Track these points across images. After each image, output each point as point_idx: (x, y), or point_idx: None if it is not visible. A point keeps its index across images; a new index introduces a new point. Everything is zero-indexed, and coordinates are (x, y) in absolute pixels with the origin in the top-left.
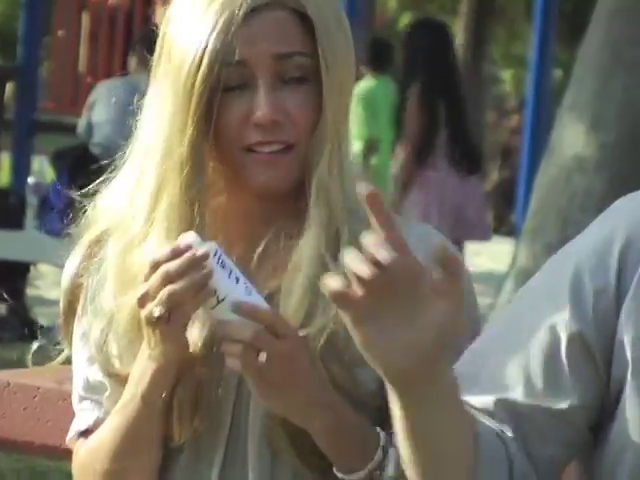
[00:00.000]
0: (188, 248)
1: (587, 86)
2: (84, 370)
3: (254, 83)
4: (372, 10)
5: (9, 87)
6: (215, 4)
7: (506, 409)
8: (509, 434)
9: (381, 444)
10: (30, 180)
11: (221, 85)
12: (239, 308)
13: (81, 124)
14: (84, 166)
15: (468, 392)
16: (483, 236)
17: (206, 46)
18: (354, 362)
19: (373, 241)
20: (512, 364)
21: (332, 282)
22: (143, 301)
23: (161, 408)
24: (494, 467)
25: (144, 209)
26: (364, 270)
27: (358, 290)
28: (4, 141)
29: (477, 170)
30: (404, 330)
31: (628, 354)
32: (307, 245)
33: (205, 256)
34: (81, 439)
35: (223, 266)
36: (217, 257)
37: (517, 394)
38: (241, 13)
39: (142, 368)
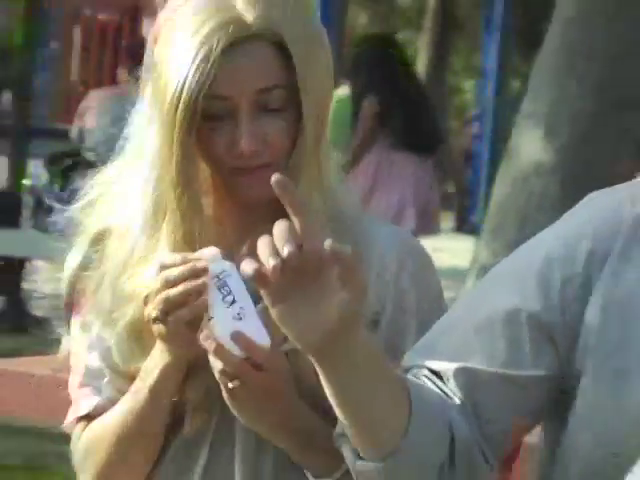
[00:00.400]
0: (196, 259)
1: (543, 95)
2: (84, 358)
3: (236, 114)
4: (342, 26)
5: (7, 96)
6: (198, 35)
7: (465, 375)
8: (456, 400)
9: None
10: (26, 182)
11: (198, 114)
12: (231, 335)
13: (74, 130)
14: (76, 169)
15: (432, 358)
16: (433, 228)
17: (185, 79)
18: None
19: (280, 232)
20: (476, 336)
21: (247, 267)
22: (146, 300)
23: (167, 402)
24: (428, 421)
25: (146, 226)
26: (269, 263)
27: (269, 272)
28: (2, 146)
29: (432, 159)
30: (311, 311)
31: (591, 344)
32: None
33: (203, 270)
34: (81, 423)
35: (223, 287)
36: (218, 277)
37: (478, 362)
38: (220, 47)
39: (154, 362)
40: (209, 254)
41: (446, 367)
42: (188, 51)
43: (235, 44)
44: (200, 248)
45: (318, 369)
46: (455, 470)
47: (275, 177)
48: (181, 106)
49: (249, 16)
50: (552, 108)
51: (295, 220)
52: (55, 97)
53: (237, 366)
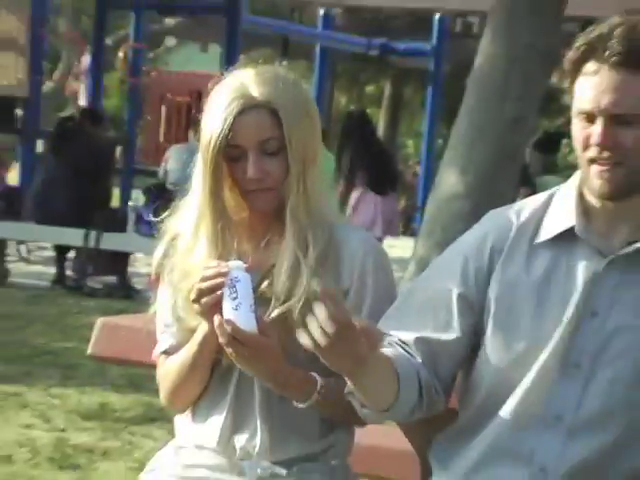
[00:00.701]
0: (223, 266)
1: (457, 150)
2: (164, 314)
3: (247, 155)
4: (330, 106)
5: (119, 149)
6: (221, 106)
7: (422, 342)
8: (419, 359)
9: (318, 387)
10: (130, 203)
11: (221, 154)
12: (225, 322)
13: (160, 171)
14: (162, 196)
15: (397, 329)
16: (395, 234)
17: (212, 134)
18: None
19: (325, 317)
20: (426, 312)
21: (305, 340)
22: (193, 288)
23: (209, 351)
24: (409, 384)
25: (191, 228)
26: (320, 339)
27: (321, 341)
28: (115, 180)
29: (395, 192)
30: (346, 354)
31: (492, 310)
32: (288, 246)
33: (223, 274)
34: (163, 355)
35: (232, 287)
36: (232, 280)
37: (428, 332)
38: (234, 113)
39: (201, 327)
40: (234, 264)
41: (407, 337)
42: (215, 116)
43: (245, 111)
44: (226, 243)
45: (348, 380)
46: (422, 404)
47: (321, 290)
48: (211, 151)
49: (255, 93)
50: (463, 158)
51: (334, 308)
52: (149, 149)
53: (227, 340)
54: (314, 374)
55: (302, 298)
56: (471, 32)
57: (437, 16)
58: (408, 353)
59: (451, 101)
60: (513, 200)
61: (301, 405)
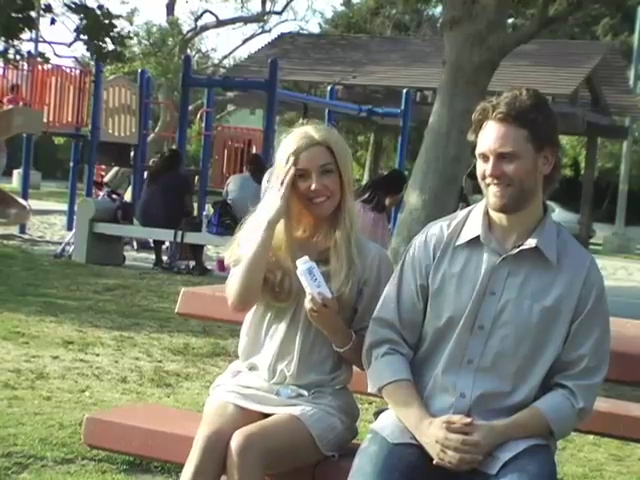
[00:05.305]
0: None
1: (417, 178)
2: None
3: (310, 175)
4: None
5: (197, 178)
6: (293, 144)
7: (403, 322)
8: (400, 337)
9: (352, 339)
10: (204, 213)
11: (294, 177)
12: (317, 293)
13: (224, 192)
14: (224, 208)
15: (383, 314)
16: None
17: (287, 163)
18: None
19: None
20: (402, 302)
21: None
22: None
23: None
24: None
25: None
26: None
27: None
28: (194, 199)
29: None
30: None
31: (431, 294)
32: (340, 238)
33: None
34: (232, 270)
35: (311, 273)
36: (308, 269)
37: (406, 314)
38: (301, 149)
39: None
40: (304, 259)
41: (393, 319)
42: (288, 151)
43: (308, 147)
44: (294, 235)
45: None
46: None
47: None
48: (288, 177)
49: (316, 136)
50: (421, 183)
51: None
52: (216, 178)
53: (319, 307)
54: (351, 331)
55: (347, 279)
56: (427, 101)
57: (404, 90)
58: (400, 335)
59: (414, 146)
60: (454, 211)
61: (339, 350)
